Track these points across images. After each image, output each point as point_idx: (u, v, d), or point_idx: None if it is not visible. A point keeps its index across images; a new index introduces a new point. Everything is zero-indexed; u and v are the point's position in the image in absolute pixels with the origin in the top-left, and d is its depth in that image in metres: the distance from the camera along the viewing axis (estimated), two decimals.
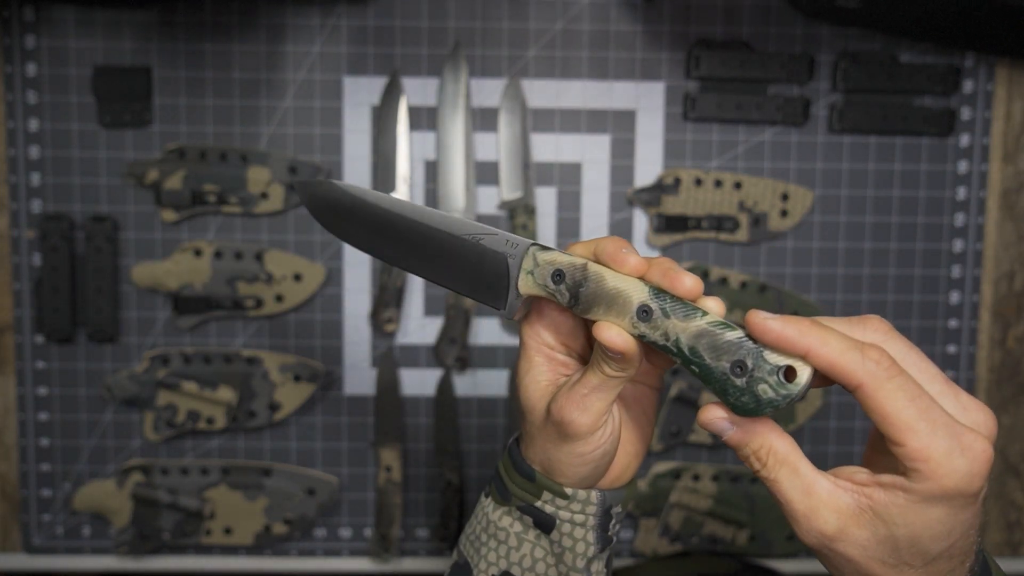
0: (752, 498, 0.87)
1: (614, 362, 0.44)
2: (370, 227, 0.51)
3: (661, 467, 0.87)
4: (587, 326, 0.48)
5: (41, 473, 0.87)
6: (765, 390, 0.39)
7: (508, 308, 0.47)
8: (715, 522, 0.87)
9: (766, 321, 0.39)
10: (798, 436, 0.87)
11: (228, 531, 0.87)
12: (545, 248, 0.47)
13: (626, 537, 0.89)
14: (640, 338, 0.43)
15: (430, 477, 0.89)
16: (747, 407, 0.40)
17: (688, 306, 0.42)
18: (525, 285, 0.47)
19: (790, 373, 0.39)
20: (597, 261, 0.45)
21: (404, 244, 0.50)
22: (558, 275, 0.46)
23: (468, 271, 0.49)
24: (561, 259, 0.46)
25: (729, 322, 0.41)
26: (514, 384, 0.86)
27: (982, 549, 0.42)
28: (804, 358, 0.39)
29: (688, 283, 0.41)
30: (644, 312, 0.42)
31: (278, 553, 0.89)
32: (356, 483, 0.88)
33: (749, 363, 0.40)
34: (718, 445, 0.87)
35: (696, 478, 0.87)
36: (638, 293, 0.43)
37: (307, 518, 0.87)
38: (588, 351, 0.49)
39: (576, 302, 0.45)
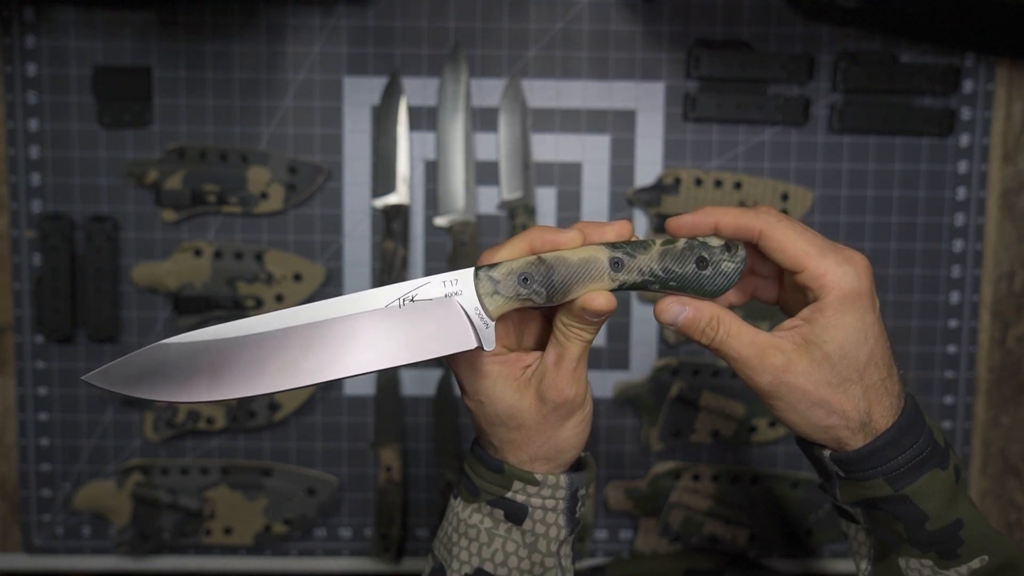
0: (752, 498, 0.87)
1: (594, 325, 0.49)
2: (249, 364, 0.45)
3: (661, 467, 0.87)
4: (518, 319, 0.51)
5: (41, 473, 0.87)
6: (727, 266, 0.48)
7: (485, 340, 0.47)
8: (715, 522, 0.87)
9: (679, 218, 0.49)
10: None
11: (228, 531, 0.87)
12: (490, 266, 0.47)
13: (626, 537, 0.89)
14: (619, 288, 0.48)
15: (430, 477, 0.89)
16: (721, 287, 0.49)
17: (635, 243, 0.48)
18: (495, 306, 0.47)
19: (731, 247, 0.49)
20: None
21: (313, 355, 0.45)
22: (524, 279, 0.47)
23: (415, 335, 0.46)
24: (516, 264, 0.47)
25: (667, 237, 0.49)
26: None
27: (911, 394, 0.50)
28: (716, 230, 0.48)
29: (619, 227, 0.48)
30: (616, 264, 0.48)
31: (278, 553, 0.89)
32: (356, 483, 0.88)
33: (706, 255, 0.48)
34: (718, 445, 0.87)
35: (696, 478, 0.87)
36: (601, 253, 0.48)
37: (307, 518, 0.87)
38: (531, 338, 0.52)
39: (553, 293, 0.47)
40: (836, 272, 0.47)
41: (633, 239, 0.49)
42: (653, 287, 0.48)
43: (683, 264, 0.48)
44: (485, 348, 0.47)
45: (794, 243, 0.47)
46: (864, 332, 0.47)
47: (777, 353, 0.47)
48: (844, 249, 0.48)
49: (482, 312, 0.47)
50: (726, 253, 0.48)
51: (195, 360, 0.44)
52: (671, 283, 0.48)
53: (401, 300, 0.46)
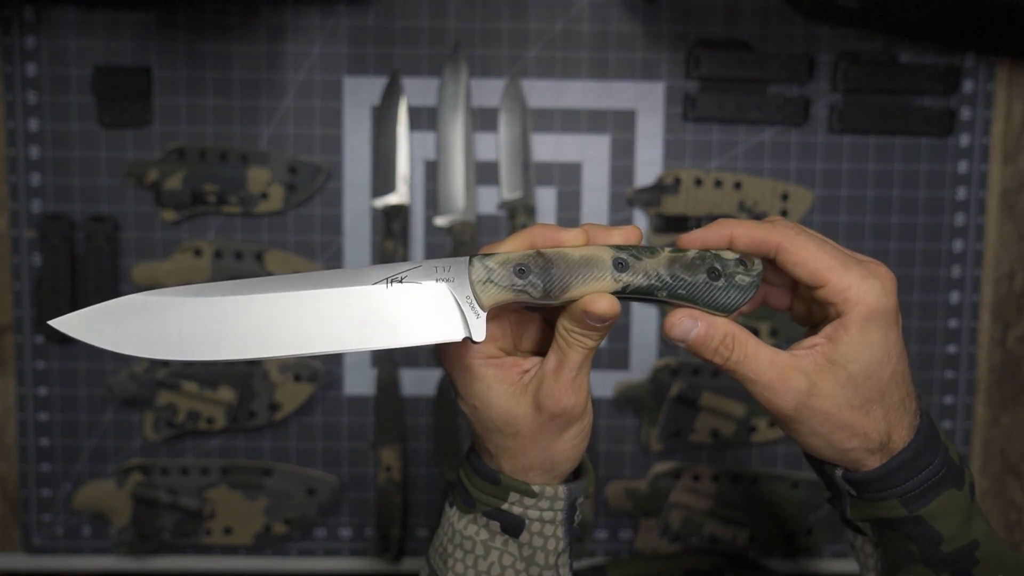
0: (752, 498, 0.87)
1: (596, 331, 0.46)
2: (229, 327, 0.43)
3: (661, 467, 0.87)
4: (516, 321, 0.48)
5: (41, 473, 0.87)
6: (742, 279, 0.46)
7: (475, 331, 0.44)
8: (715, 522, 0.87)
9: (691, 234, 0.47)
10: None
11: (228, 531, 0.87)
12: (486, 254, 0.45)
13: (626, 537, 0.89)
14: (623, 290, 0.45)
15: (430, 477, 0.89)
16: (733, 301, 0.46)
17: (643, 247, 0.45)
18: (488, 296, 0.44)
19: (746, 262, 0.46)
20: None
21: (290, 325, 0.43)
22: (521, 270, 0.44)
23: (398, 319, 0.43)
24: (514, 255, 0.45)
25: (677, 247, 0.46)
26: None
27: (927, 411, 0.48)
28: (731, 243, 0.46)
29: (626, 232, 0.47)
30: (620, 264, 0.45)
31: (278, 553, 0.89)
32: (356, 483, 0.88)
33: (719, 266, 0.46)
34: (718, 445, 0.87)
35: (696, 478, 0.87)
36: (604, 252, 0.45)
37: (307, 518, 0.87)
38: (530, 341, 0.49)
39: (550, 288, 0.44)
40: (861, 287, 0.44)
41: (641, 245, 0.46)
42: (660, 294, 0.45)
43: (693, 273, 0.45)
44: (474, 339, 0.44)
45: (815, 256, 0.45)
46: (888, 350, 0.45)
47: (800, 375, 0.45)
48: (868, 262, 0.46)
49: (473, 301, 0.44)
50: (741, 267, 0.46)
51: (167, 316, 0.43)
52: (680, 291, 0.45)
53: (388, 281, 0.43)
